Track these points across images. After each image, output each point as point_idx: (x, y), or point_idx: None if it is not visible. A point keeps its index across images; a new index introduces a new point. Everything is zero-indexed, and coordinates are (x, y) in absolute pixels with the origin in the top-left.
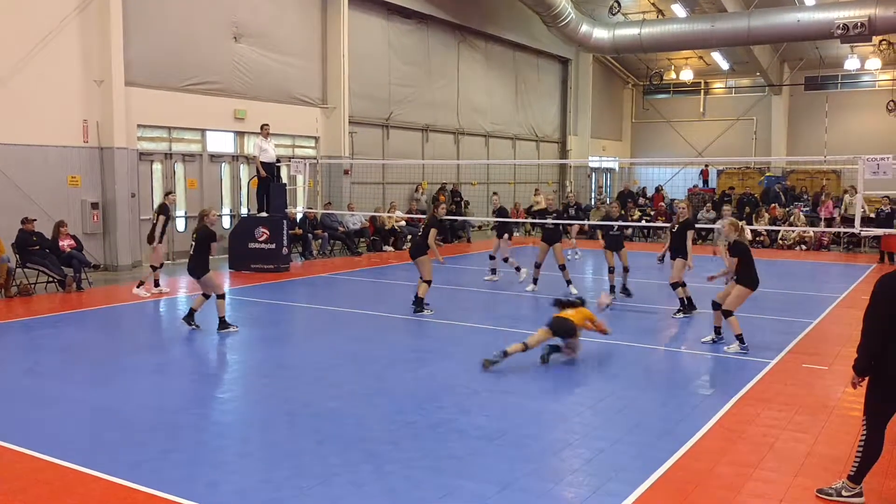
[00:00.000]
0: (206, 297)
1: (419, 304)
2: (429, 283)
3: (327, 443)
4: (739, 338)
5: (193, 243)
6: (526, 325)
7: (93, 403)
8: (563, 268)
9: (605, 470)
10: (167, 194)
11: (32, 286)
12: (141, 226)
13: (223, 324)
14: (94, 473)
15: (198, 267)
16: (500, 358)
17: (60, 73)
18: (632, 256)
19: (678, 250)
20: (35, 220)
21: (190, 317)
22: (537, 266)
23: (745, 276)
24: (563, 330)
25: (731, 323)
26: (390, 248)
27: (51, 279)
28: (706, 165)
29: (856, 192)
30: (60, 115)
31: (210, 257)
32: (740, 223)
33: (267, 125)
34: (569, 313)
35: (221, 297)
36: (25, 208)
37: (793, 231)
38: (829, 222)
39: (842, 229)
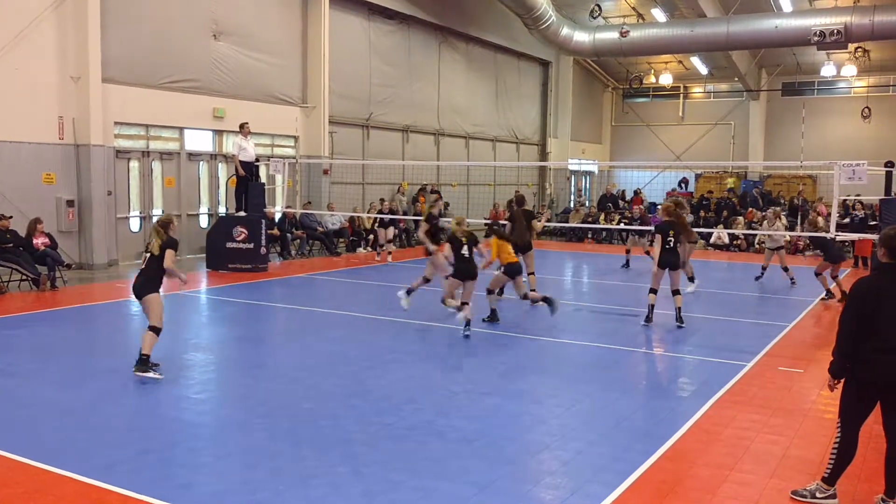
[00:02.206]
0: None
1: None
2: (426, 280)
3: (304, 444)
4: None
5: (149, 254)
6: (503, 328)
7: (66, 404)
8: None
9: (584, 472)
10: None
11: (5, 285)
12: (117, 224)
13: (144, 364)
14: (67, 474)
15: (147, 285)
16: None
17: (36, 68)
18: (606, 259)
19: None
20: (10, 217)
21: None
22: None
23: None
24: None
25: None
26: (369, 249)
27: (24, 278)
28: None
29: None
30: (36, 112)
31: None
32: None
33: (247, 124)
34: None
35: (156, 330)
36: None
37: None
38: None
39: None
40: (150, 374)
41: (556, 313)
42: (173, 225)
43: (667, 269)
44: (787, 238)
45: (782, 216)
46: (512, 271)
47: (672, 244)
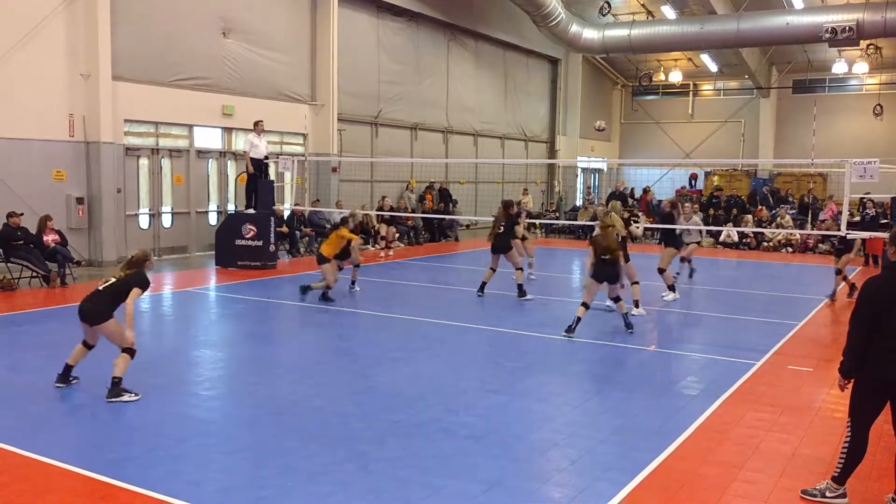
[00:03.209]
0: (90, 347)
1: (521, 290)
2: (520, 269)
3: (313, 441)
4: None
5: (114, 281)
6: (513, 325)
7: (75, 401)
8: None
9: (592, 470)
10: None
11: (16, 281)
12: (127, 221)
13: (116, 389)
14: (76, 470)
15: (105, 312)
16: (306, 292)
17: (46, 66)
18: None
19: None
20: (21, 214)
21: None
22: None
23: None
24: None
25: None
26: (377, 247)
27: (35, 274)
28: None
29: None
30: (46, 109)
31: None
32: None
33: (261, 122)
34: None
35: (130, 351)
36: (9, 202)
37: (779, 233)
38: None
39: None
40: (125, 398)
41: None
42: (150, 262)
43: (605, 283)
44: (703, 234)
45: (699, 211)
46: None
47: (608, 256)
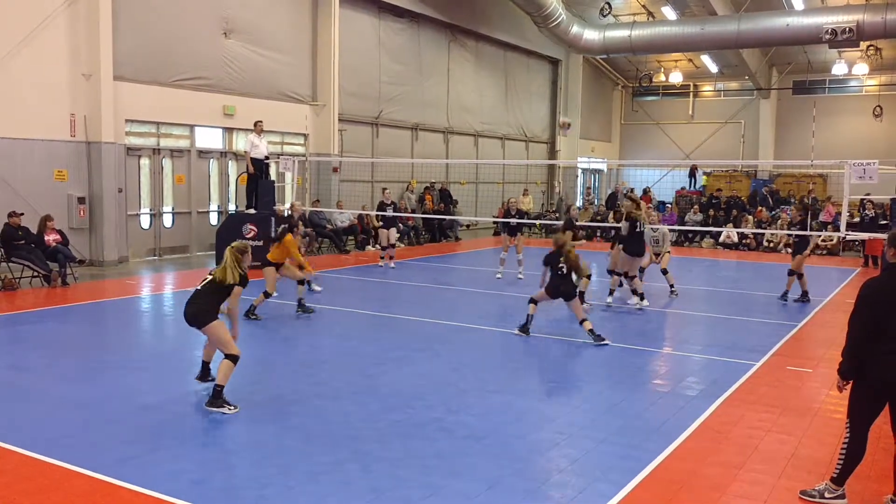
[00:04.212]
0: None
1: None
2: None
3: (314, 441)
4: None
5: (212, 280)
6: (513, 325)
7: (77, 399)
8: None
9: (592, 470)
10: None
11: (17, 281)
12: (128, 221)
13: (218, 399)
14: (78, 470)
15: (211, 311)
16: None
17: (48, 66)
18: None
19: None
20: (22, 213)
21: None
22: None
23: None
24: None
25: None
26: (377, 247)
27: (36, 274)
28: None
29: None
30: (48, 109)
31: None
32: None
33: (260, 122)
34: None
35: (232, 357)
36: (10, 202)
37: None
38: (824, 226)
39: (827, 233)
40: (225, 410)
41: None
42: (249, 255)
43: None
44: (671, 241)
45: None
46: None
47: (565, 271)
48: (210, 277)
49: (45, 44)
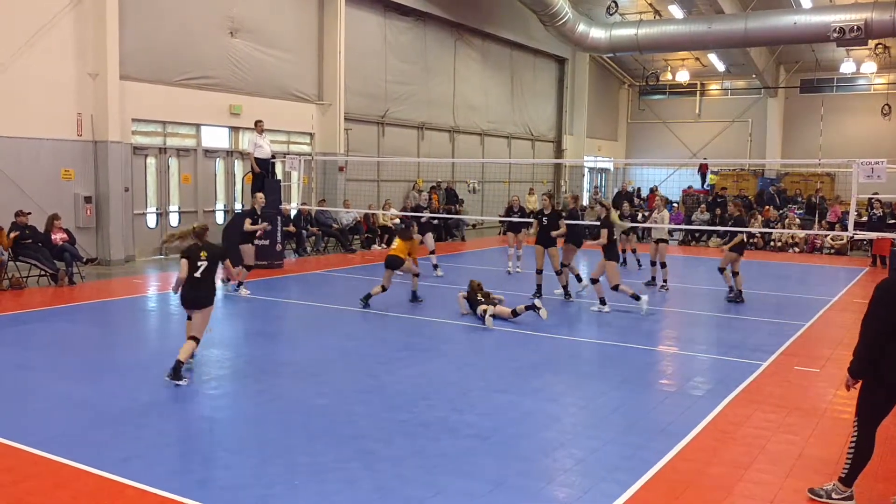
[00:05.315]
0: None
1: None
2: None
3: (319, 440)
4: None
5: (207, 264)
6: (518, 325)
7: (83, 398)
8: (558, 273)
9: (598, 470)
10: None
11: (24, 280)
12: (134, 220)
13: (176, 372)
14: (84, 468)
15: (213, 293)
16: (364, 303)
17: (55, 65)
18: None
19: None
20: (30, 213)
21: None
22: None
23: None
24: (394, 263)
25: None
26: (383, 246)
27: (43, 273)
28: (705, 158)
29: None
30: (54, 109)
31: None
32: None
33: (261, 121)
34: (394, 248)
35: (195, 340)
36: (18, 201)
37: (787, 232)
38: (832, 226)
39: (835, 232)
40: (181, 382)
41: None
42: (207, 229)
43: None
44: (668, 230)
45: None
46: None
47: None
48: (202, 265)
49: (52, 43)
